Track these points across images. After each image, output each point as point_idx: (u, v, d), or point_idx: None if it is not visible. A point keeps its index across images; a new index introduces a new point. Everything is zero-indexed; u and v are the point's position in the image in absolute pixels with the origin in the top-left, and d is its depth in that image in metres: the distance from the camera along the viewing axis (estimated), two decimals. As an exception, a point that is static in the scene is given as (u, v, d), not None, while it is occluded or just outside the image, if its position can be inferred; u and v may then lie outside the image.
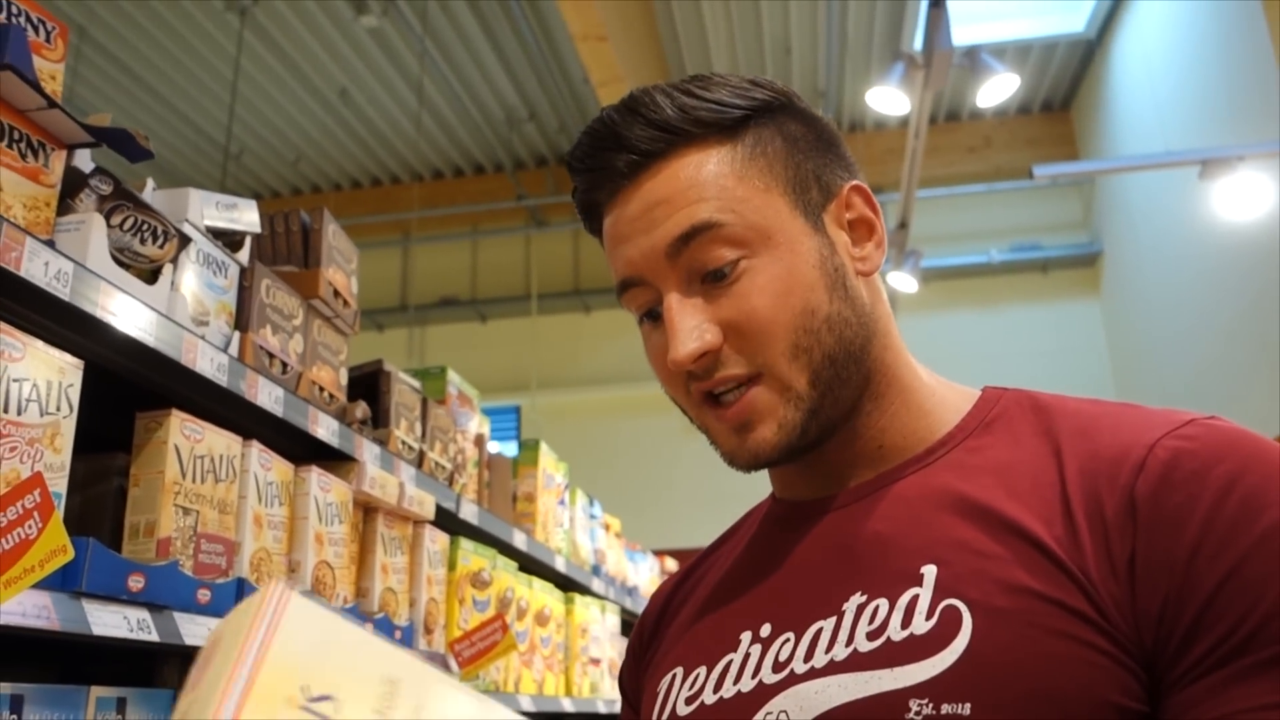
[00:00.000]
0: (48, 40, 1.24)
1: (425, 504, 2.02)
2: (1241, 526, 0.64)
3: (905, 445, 0.81)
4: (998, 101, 4.96)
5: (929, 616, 0.68)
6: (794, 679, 0.72)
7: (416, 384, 2.26)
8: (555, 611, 2.91)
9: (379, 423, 2.04)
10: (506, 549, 2.63)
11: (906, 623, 0.69)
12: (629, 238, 0.79)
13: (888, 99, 4.60)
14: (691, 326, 0.76)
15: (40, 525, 0.96)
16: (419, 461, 2.15)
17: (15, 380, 1.08)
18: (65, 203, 1.24)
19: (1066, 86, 7.91)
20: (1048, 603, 0.66)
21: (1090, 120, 7.70)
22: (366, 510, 1.89)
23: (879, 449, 0.81)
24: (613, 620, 3.49)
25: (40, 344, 1.13)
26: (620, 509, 4.29)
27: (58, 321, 1.22)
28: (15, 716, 1.08)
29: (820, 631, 0.74)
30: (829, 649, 0.72)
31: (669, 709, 0.81)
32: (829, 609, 0.74)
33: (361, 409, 1.93)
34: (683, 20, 6.85)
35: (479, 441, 2.65)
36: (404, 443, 2.08)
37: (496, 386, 8.00)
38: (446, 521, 2.22)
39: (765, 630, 0.78)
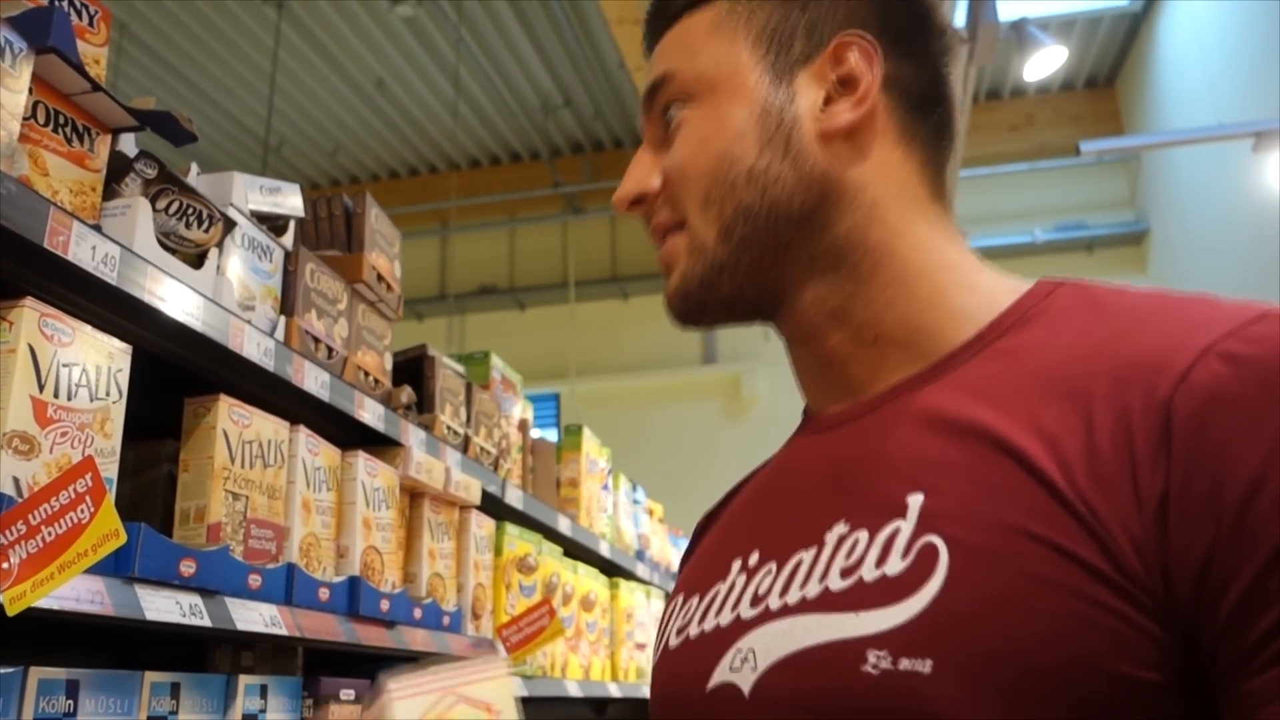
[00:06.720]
0: (91, 25, 1.24)
1: (471, 489, 2.01)
2: None
3: (910, 340, 0.71)
4: (1044, 75, 4.86)
5: (905, 555, 0.59)
6: (768, 615, 0.66)
7: (460, 369, 2.25)
8: (600, 596, 2.90)
9: (424, 408, 2.03)
10: (551, 534, 2.62)
11: (881, 560, 0.60)
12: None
13: (930, 76, 4.51)
14: (637, 175, 0.79)
15: (92, 510, 0.95)
16: (464, 446, 2.14)
17: (65, 365, 1.08)
18: (110, 187, 1.24)
19: (1111, 61, 7.73)
20: (1044, 546, 0.55)
21: (1136, 95, 7.53)
22: (413, 495, 1.88)
23: (874, 340, 0.72)
24: (657, 605, 3.48)
25: (89, 329, 1.12)
26: (661, 495, 4.27)
27: (106, 306, 1.22)
28: (71, 702, 1.08)
29: (800, 564, 0.66)
30: (804, 584, 0.65)
31: (664, 640, 0.77)
32: (811, 538, 0.67)
33: (407, 394, 1.92)
34: (718, 2, 6.77)
35: (523, 426, 2.64)
36: (449, 428, 2.08)
37: (536, 374, 8.00)
38: (492, 507, 2.21)
39: (754, 559, 0.72)
